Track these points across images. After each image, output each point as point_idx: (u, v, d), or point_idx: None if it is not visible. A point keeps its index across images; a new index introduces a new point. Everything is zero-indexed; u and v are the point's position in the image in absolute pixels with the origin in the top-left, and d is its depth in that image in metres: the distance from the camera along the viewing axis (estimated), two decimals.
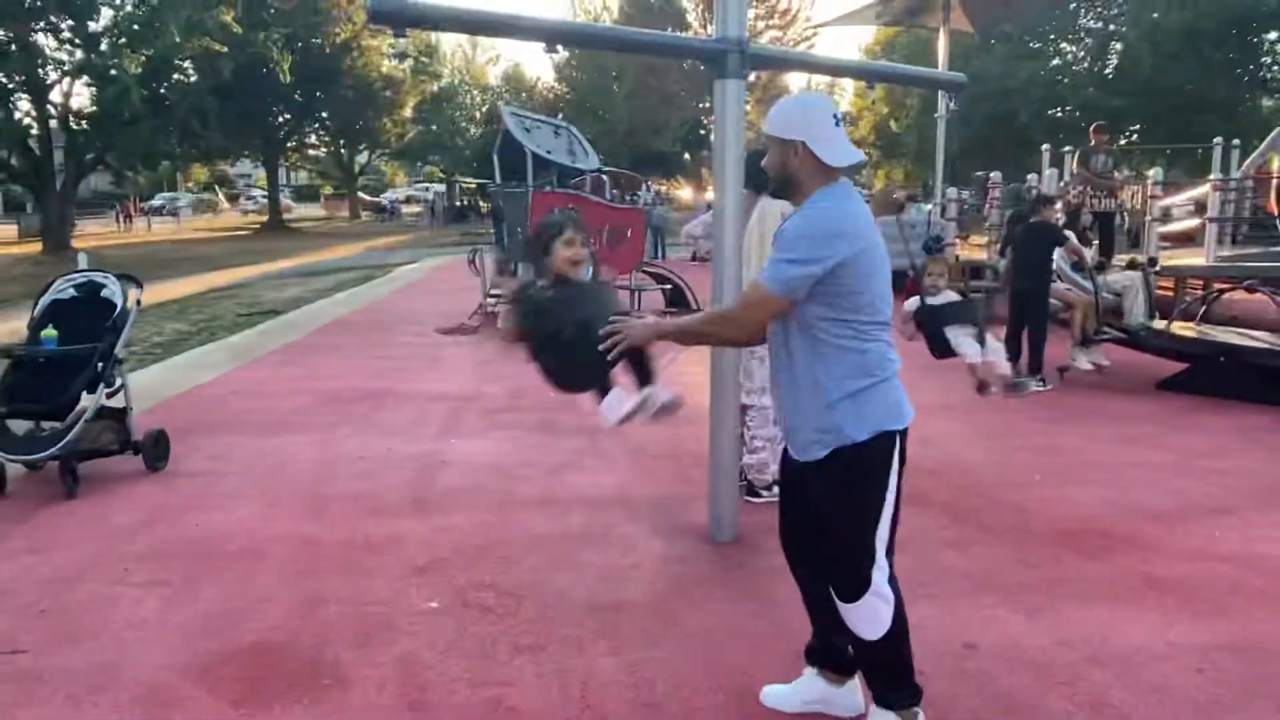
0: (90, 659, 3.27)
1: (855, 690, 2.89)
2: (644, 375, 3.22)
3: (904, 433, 2.67)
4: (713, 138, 4.33)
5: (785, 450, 2.82)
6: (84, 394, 5.20)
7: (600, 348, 2.71)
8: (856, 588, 2.61)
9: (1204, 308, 8.55)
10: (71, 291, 5.57)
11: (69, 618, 3.58)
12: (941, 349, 4.39)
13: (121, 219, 43.21)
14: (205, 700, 3.01)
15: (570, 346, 2.99)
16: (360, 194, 52.06)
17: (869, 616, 2.62)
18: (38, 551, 4.25)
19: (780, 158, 2.62)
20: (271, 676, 3.15)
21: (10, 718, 2.91)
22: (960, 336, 4.32)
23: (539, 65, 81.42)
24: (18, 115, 27.27)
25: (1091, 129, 12.31)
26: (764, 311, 2.59)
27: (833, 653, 2.87)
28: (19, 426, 5.23)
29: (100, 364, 5.25)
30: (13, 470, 5.18)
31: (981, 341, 4.32)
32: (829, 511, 2.66)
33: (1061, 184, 11.89)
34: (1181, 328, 7.95)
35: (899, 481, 2.68)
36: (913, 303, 4.48)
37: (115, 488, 5.16)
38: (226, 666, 3.21)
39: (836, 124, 2.60)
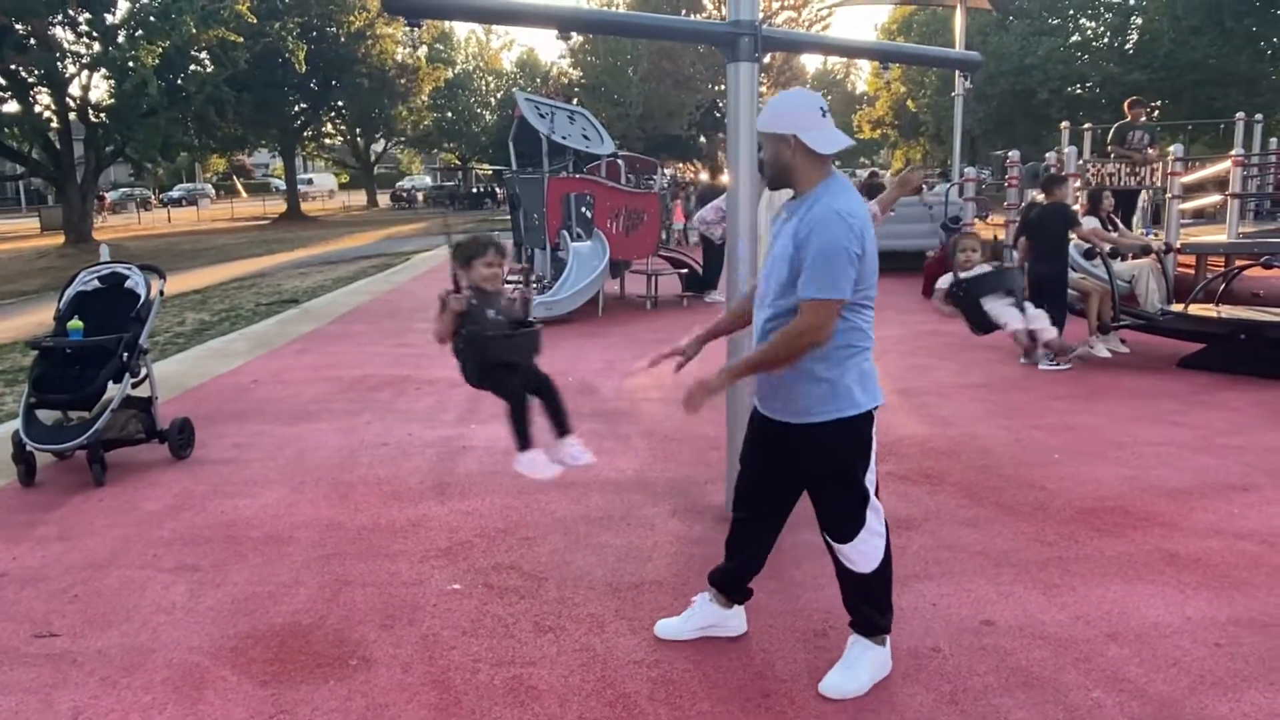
0: (122, 641, 3.35)
1: (741, 613, 3.33)
2: (559, 423, 3.82)
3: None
4: (727, 121, 4.34)
5: (757, 410, 3.09)
6: (110, 384, 5.29)
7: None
8: (855, 526, 2.90)
9: (1224, 285, 8.48)
10: (96, 283, 5.65)
11: (101, 602, 3.67)
12: (980, 323, 4.30)
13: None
14: (235, 680, 3.08)
15: (490, 370, 3.67)
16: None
17: (864, 552, 2.93)
18: (68, 538, 4.34)
19: (775, 151, 2.82)
20: (299, 657, 3.22)
21: (47, 699, 2.99)
22: (999, 306, 4.23)
23: (553, 50, 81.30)
24: (38, 109, 27.44)
25: (1127, 104, 12.19)
26: (833, 316, 2.73)
27: (738, 585, 3.29)
28: (47, 416, 5.32)
29: (125, 354, 5.33)
30: (42, 459, 5.28)
31: (1021, 309, 4.24)
32: (827, 468, 2.92)
33: (1080, 162, 11.77)
34: (1199, 308, 7.90)
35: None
36: (946, 279, 4.37)
37: (142, 475, 5.25)
38: (255, 648, 3.29)
39: (824, 115, 2.80)
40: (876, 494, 2.95)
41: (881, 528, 2.95)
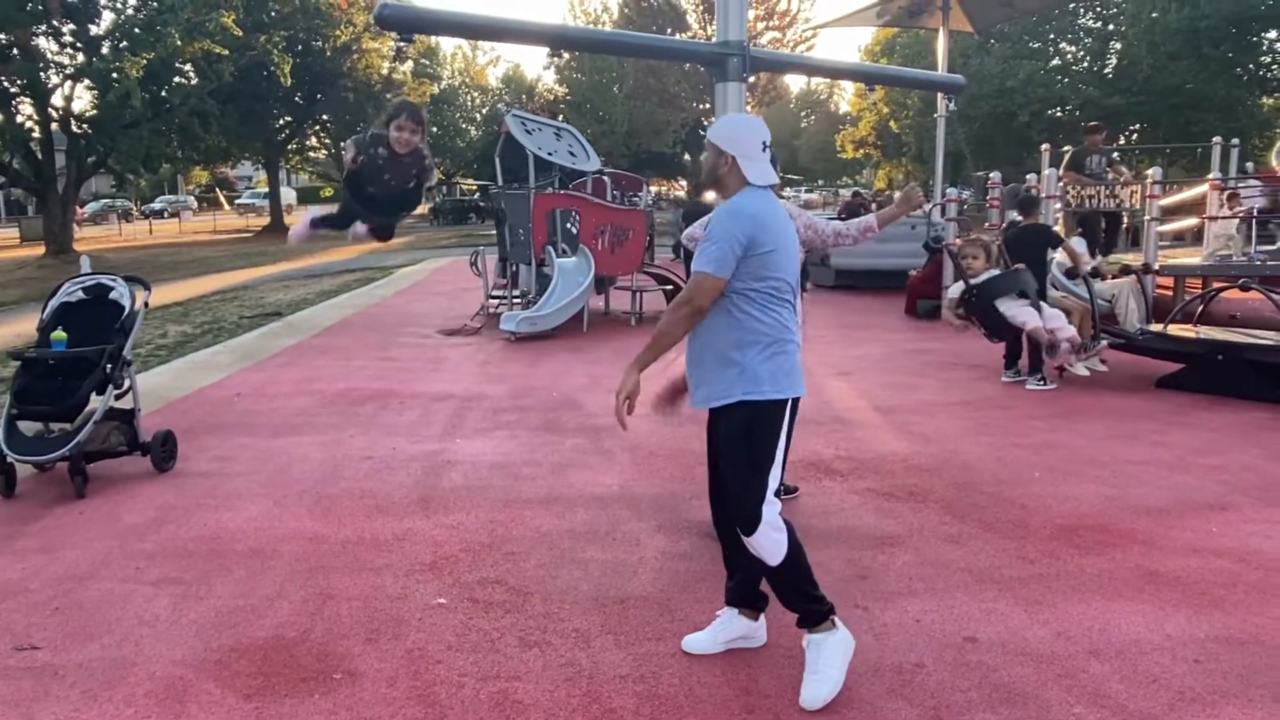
0: (104, 654, 3.32)
1: (764, 625, 3.38)
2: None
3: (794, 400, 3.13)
4: None
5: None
6: (93, 395, 5.26)
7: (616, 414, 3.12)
8: (752, 522, 3.00)
9: (1202, 307, 8.59)
10: (80, 294, 5.63)
11: (82, 615, 3.64)
12: (996, 326, 4.32)
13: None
14: (218, 694, 3.06)
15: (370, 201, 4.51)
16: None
17: (768, 546, 3.03)
18: (49, 551, 4.31)
19: (714, 161, 3.14)
20: (283, 671, 3.21)
21: (28, 713, 2.96)
22: (1015, 307, 4.26)
23: (539, 67, 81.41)
24: (20, 119, 27.27)
25: (1085, 129, 12.36)
26: (712, 292, 3.01)
27: (755, 596, 3.31)
28: (28, 428, 5.29)
29: (109, 366, 5.31)
30: (23, 471, 5.25)
31: (1037, 308, 4.27)
32: (729, 451, 3.09)
33: (1060, 185, 11.91)
34: (1178, 329, 8.00)
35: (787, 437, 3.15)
36: (955, 288, 4.40)
37: (124, 488, 5.22)
38: (239, 661, 3.27)
39: (764, 149, 3.11)
40: (781, 493, 3.11)
41: (781, 524, 3.03)
